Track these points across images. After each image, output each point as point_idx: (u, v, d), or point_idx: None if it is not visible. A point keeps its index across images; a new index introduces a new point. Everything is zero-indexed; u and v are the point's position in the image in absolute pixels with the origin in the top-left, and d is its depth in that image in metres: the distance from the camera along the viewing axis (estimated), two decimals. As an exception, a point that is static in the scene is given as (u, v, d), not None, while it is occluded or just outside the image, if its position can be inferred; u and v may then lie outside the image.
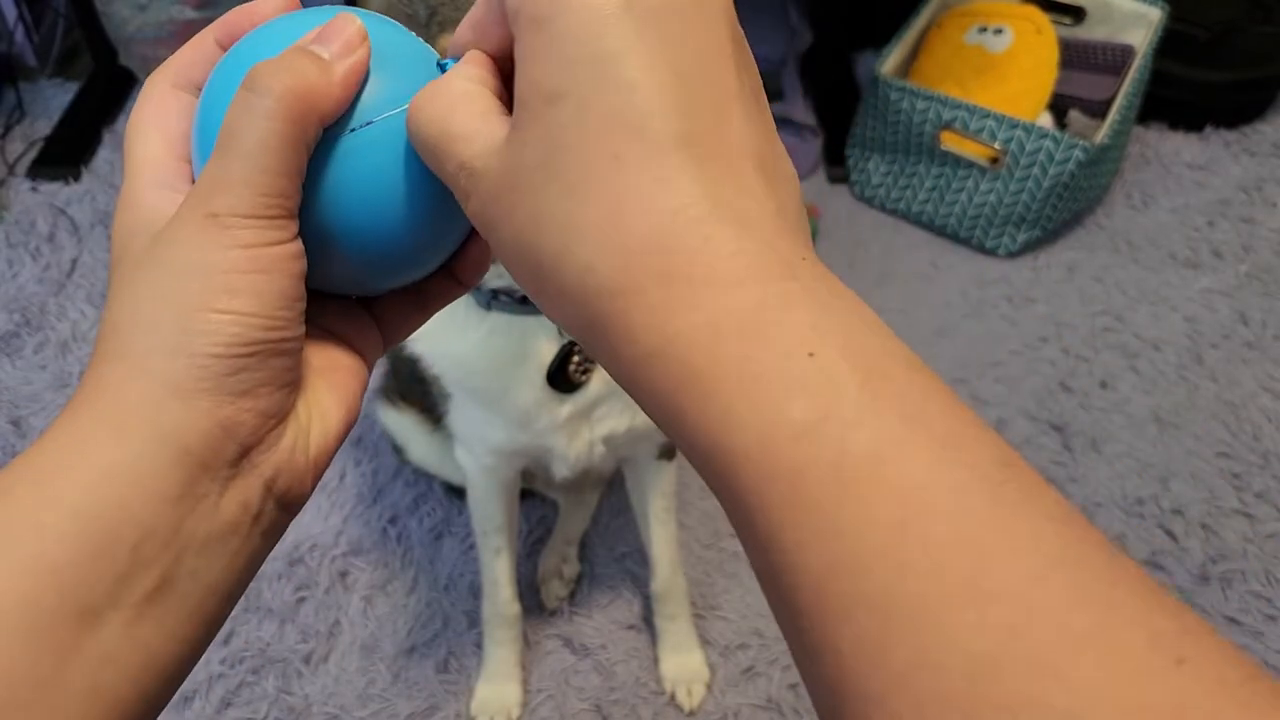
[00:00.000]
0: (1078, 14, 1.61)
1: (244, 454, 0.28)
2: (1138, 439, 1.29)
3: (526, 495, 1.19)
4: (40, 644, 0.24)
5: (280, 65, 0.28)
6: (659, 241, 0.24)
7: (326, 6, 0.32)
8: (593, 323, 0.25)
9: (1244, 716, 0.19)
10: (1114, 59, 1.59)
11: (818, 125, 1.69)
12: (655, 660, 1.12)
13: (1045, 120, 1.50)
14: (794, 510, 0.22)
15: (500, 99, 0.29)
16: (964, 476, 0.22)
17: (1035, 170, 1.43)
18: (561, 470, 0.91)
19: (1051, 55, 1.52)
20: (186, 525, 0.27)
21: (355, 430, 1.31)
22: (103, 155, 1.72)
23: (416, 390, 0.98)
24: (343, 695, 1.10)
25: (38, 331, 1.45)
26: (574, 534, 1.21)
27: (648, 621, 1.14)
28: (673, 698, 1.09)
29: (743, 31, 0.27)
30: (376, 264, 0.32)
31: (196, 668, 1.08)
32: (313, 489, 0.31)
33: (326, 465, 0.31)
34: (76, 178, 1.67)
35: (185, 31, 1.65)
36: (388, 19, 0.32)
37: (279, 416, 0.29)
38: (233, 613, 1.15)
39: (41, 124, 1.76)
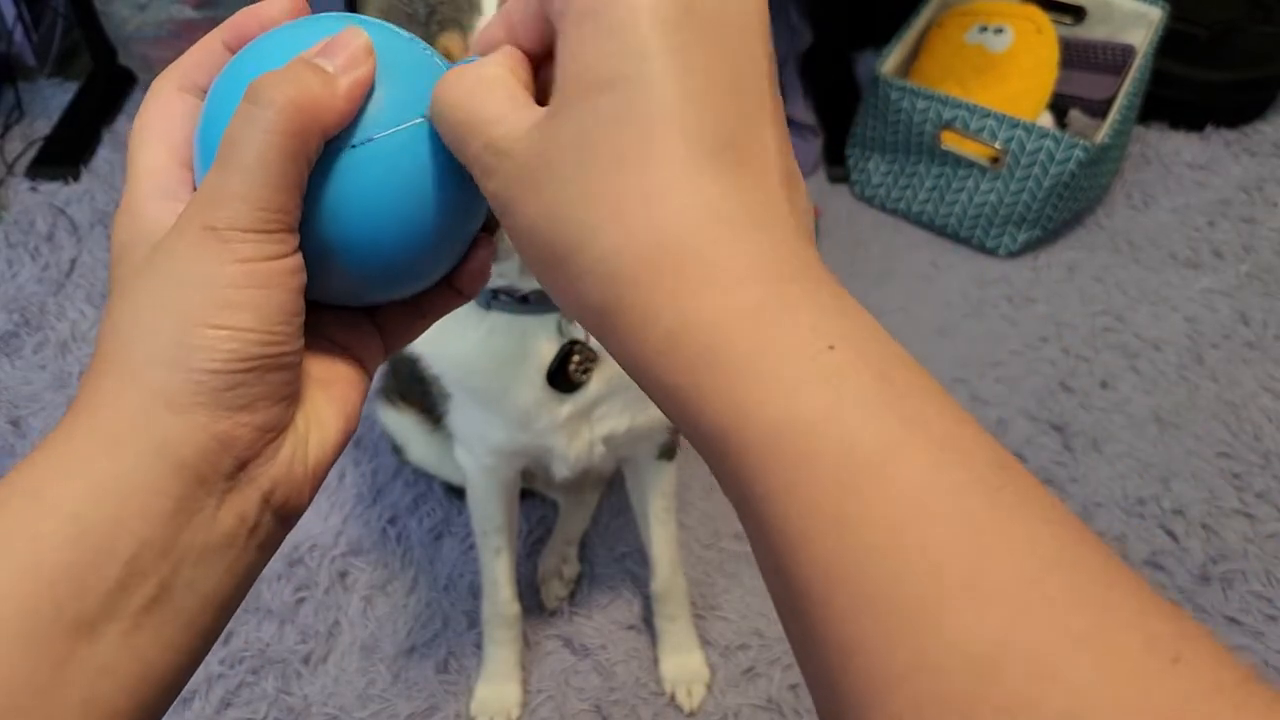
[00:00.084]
0: (1078, 13, 1.61)
1: (241, 467, 0.28)
2: (1138, 439, 1.29)
3: (526, 495, 1.19)
4: (39, 653, 0.24)
5: (283, 78, 0.28)
6: (690, 235, 0.25)
7: (334, 14, 0.31)
8: (609, 307, 0.26)
9: (1240, 717, 0.19)
10: (1114, 58, 1.58)
11: (818, 125, 1.69)
12: (655, 660, 1.11)
13: (1046, 120, 1.50)
14: (799, 501, 0.22)
15: (528, 91, 0.29)
16: (962, 478, 0.22)
17: (1036, 170, 1.43)
18: (561, 470, 0.91)
19: (1052, 55, 1.51)
20: (183, 537, 0.27)
21: (355, 430, 1.31)
22: (102, 155, 1.72)
23: (416, 390, 0.98)
24: (342, 696, 1.10)
25: (37, 331, 1.44)
26: (574, 534, 1.21)
27: (648, 621, 1.14)
28: (673, 698, 1.09)
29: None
30: (377, 278, 0.32)
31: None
32: (310, 500, 0.31)
33: (324, 476, 0.31)
34: (76, 177, 1.67)
35: (185, 31, 1.65)
36: (396, 30, 0.32)
37: (277, 430, 0.29)
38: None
39: (41, 124, 1.76)
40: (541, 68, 0.31)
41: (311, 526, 1.23)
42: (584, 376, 0.81)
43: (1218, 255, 1.52)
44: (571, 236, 0.26)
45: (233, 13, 0.32)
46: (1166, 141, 1.69)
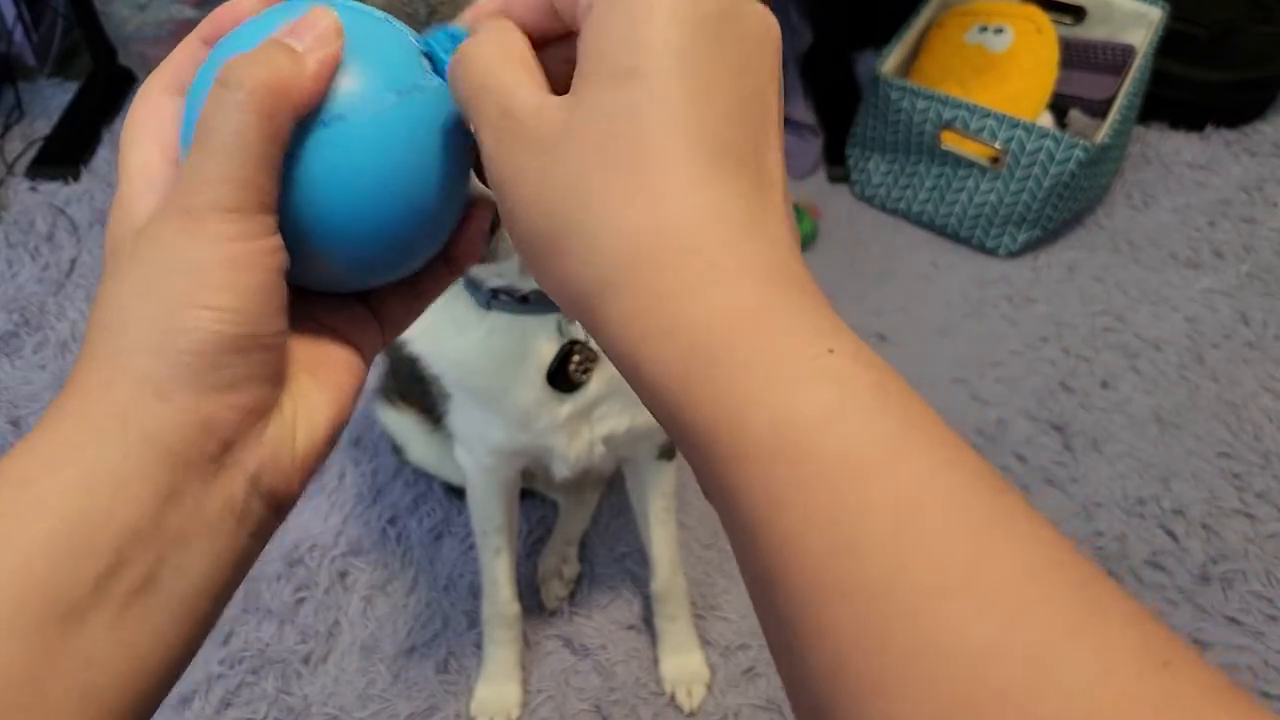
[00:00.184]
0: (1078, 13, 1.61)
1: (225, 450, 0.28)
2: (1138, 439, 1.29)
3: (526, 495, 1.19)
4: (31, 644, 0.24)
5: (253, 59, 0.28)
6: (695, 232, 0.25)
7: (307, 1, 0.31)
8: (605, 291, 0.26)
9: (1228, 716, 0.20)
10: (1114, 58, 1.58)
11: (818, 125, 1.69)
12: (655, 660, 1.11)
13: (1046, 120, 1.50)
14: (798, 493, 0.23)
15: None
16: (960, 480, 0.22)
17: (1036, 170, 1.43)
18: (561, 470, 0.91)
19: (1052, 55, 1.51)
20: (169, 524, 0.27)
21: (355, 430, 1.31)
22: (102, 155, 1.72)
23: (416, 390, 0.97)
24: (342, 696, 1.10)
25: (37, 331, 1.44)
26: (574, 534, 1.21)
27: (648, 622, 1.14)
28: (673, 698, 1.09)
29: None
30: (360, 260, 0.32)
31: (196, 668, 1.07)
32: (301, 489, 0.31)
33: (315, 464, 0.31)
34: (76, 177, 1.67)
35: (184, 31, 1.63)
36: (370, 10, 0.32)
37: (261, 412, 0.29)
38: (232, 613, 1.14)
39: (40, 124, 1.76)
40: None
41: (311, 526, 1.23)
42: (584, 376, 0.81)
43: (1218, 255, 1.52)
44: (574, 215, 0.26)
45: (231, 11, 0.32)
46: (1166, 141, 1.69)
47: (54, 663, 0.24)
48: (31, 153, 1.70)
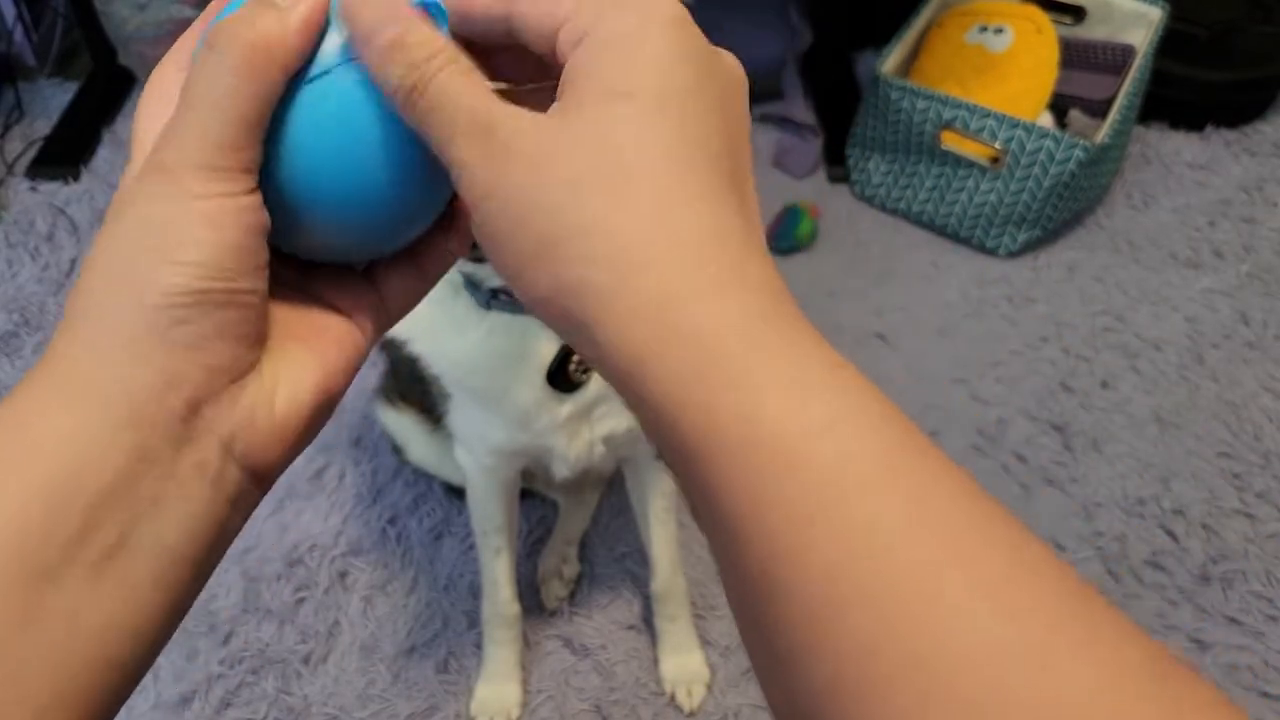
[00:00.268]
0: (1078, 13, 1.61)
1: (194, 410, 0.28)
2: (1138, 439, 1.29)
3: (526, 495, 1.19)
4: (5, 602, 0.24)
5: (237, 19, 0.28)
6: (701, 241, 0.26)
7: None
8: (604, 294, 0.25)
9: None
10: (1114, 58, 1.58)
11: (818, 125, 1.69)
12: (655, 660, 1.11)
13: (1046, 120, 1.50)
14: (800, 500, 0.23)
15: None
16: (959, 487, 0.23)
17: (1036, 170, 1.43)
18: (561, 470, 0.91)
19: (1052, 55, 1.51)
20: (141, 485, 0.26)
21: (355, 430, 1.31)
22: (102, 155, 1.72)
23: (416, 390, 0.98)
24: (342, 696, 1.10)
25: (37, 331, 1.44)
26: (574, 534, 1.21)
27: (648, 622, 1.14)
28: (673, 698, 1.09)
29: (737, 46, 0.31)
30: (351, 225, 0.31)
31: (196, 668, 1.07)
32: (282, 459, 0.30)
33: (298, 434, 0.30)
34: (76, 177, 1.67)
35: (184, 30, 1.65)
36: None
37: (233, 373, 0.28)
38: (232, 613, 1.14)
39: (41, 124, 1.76)
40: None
41: (311, 526, 1.23)
42: (584, 376, 0.81)
43: (1218, 255, 1.52)
44: (569, 226, 0.26)
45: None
46: (1166, 141, 1.69)
47: (30, 621, 0.25)
48: (31, 153, 1.70)
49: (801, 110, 1.69)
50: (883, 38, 1.58)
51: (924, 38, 1.62)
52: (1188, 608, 1.13)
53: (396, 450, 1.20)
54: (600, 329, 0.26)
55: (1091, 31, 1.61)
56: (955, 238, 1.55)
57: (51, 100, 1.80)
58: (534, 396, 0.81)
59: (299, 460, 1.37)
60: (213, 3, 0.32)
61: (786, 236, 1.51)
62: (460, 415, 0.91)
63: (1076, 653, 0.20)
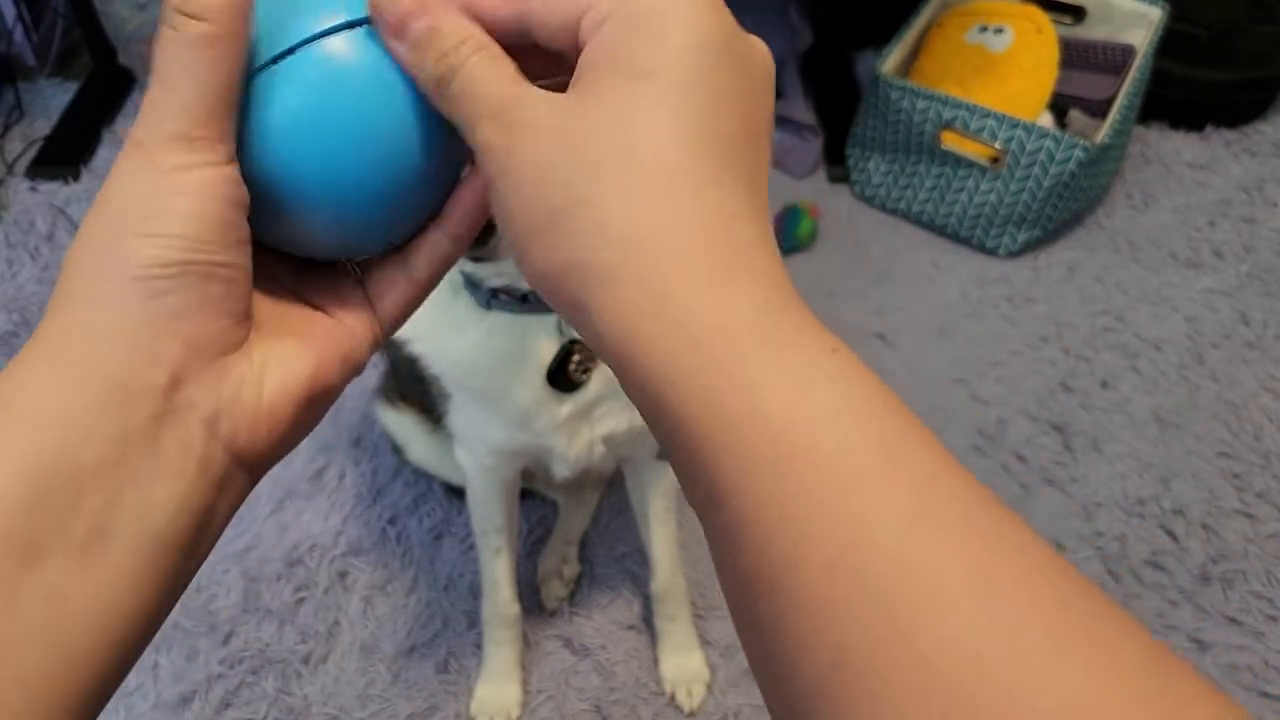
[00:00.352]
0: (1078, 13, 1.61)
1: (175, 385, 0.27)
2: (1138, 439, 1.29)
3: (526, 495, 1.19)
4: None
5: None
6: (707, 227, 0.26)
7: None
8: (607, 273, 0.25)
9: None
10: (1114, 58, 1.58)
11: (818, 125, 1.69)
12: (655, 660, 1.11)
13: (1046, 120, 1.50)
14: (800, 491, 0.23)
15: None
16: (962, 483, 0.23)
17: (1036, 170, 1.43)
18: (561, 470, 0.91)
19: (1052, 55, 1.51)
20: (124, 464, 0.26)
21: (355, 430, 1.31)
22: (102, 155, 1.72)
23: (416, 390, 0.97)
24: (342, 696, 1.10)
25: (37, 331, 1.44)
26: (574, 534, 1.21)
27: (648, 621, 1.14)
28: (673, 698, 1.09)
29: None
30: (333, 214, 0.30)
31: (196, 668, 1.06)
32: (270, 446, 0.30)
33: (288, 423, 0.30)
34: (76, 177, 1.67)
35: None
36: None
37: (216, 350, 0.28)
38: (232, 613, 1.13)
39: (41, 124, 1.76)
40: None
41: (311, 526, 1.23)
42: (584, 376, 0.81)
43: (1218, 255, 1.52)
44: (580, 201, 0.26)
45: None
46: (1166, 141, 1.69)
47: (15, 599, 0.24)
48: (31, 153, 1.70)
49: (801, 110, 1.69)
50: (883, 38, 1.58)
51: (924, 38, 1.62)
52: (1188, 608, 1.13)
53: (396, 450, 1.20)
54: (598, 311, 0.26)
55: (1091, 31, 1.61)
56: (955, 238, 1.55)
57: (51, 100, 1.80)
58: (534, 396, 0.81)
59: (299, 460, 1.37)
60: None
61: (786, 236, 1.51)
62: (460, 415, 0.91)
63: (1077, 652, 0.20)
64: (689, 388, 0.24)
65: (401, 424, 1.11)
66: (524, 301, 0.77)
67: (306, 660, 1.12)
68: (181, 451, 0.27)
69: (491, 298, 0.77)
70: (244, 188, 0.29)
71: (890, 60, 1.55)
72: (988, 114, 1.43)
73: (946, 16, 1.61)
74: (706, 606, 1.15)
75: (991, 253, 1.53)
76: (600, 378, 0.81)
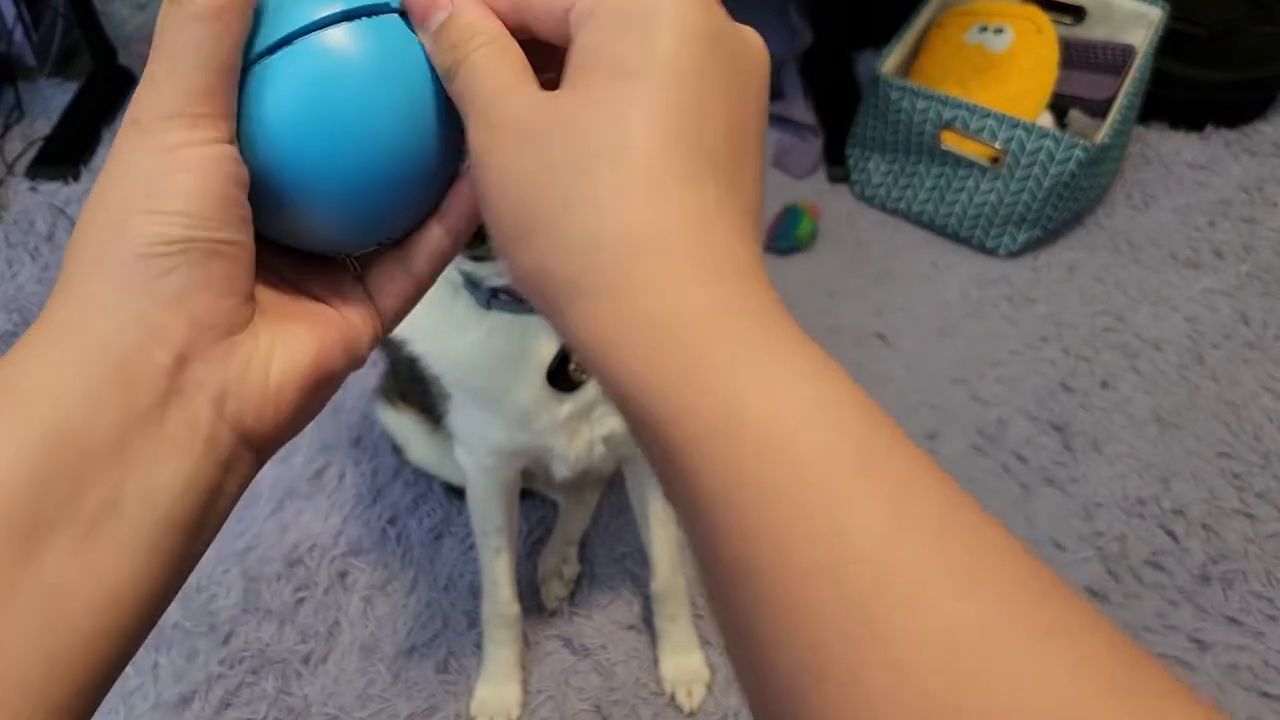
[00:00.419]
0: (1078, 13, 1.61)
1: (181, 364, 0.27)
2: (1138, 439, 1.29)
3: (526, 495, 1.19)
4: None
5: None
6: (675, 227, 0.25)
7: None
8: (581, 276, 0.26)
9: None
10: (1114, 58, 1.58)
11: (818, 125, 1.69)
12: (655, 660, 1.11)
13: (1046, 120, 1.50)
14: (778, 491, 0.23)
15: None
16: (938, 482, 0.23)
17: (1036, 170, 1.43)
18: (561, 470, 0.91)
19: (1052, 55, 1.51)
20: (131, 445, 0.26)
21: (355, 430, 1.31)
22: (102, 155, 1.72)
23: (416, 390, 0.98)
24: (342, 696, 1.10)
25: (37, 331, 1.44)
26: (574, 534, 1.21)
27: (648, 622, 1.14)
28: (673, 698, 1.09)
29: None
30: (331, 206, 0.30)
31: (196, 668, 1.06)
32: (276, 428, 0.30)
33: (295, 406, 0.30)
34: (76, 177, 1.67)
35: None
36: None
37: (222, 329, 0.28)
38: (232, 613, 1.13)
39: (41, 123, 1.76)
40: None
41: (311, 526, 1.23)
42: (584, 376, 0.81)
43: (1218, 255, 1.52)
44: (554, 202, 0.26)
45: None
46: (1166, 141, 1.69)
47: (16, 583, 0.24)
48: (31, 153, 1.70)
49: (801, 110, 1.69)
50: (883, 38, 1.58)
51: (924, 38, 1.62)
52: (1188, 608, 1.13)
53: (396, 450, 1.20)
54: (577, 314, 0.26)
55: (1091, 31, 1.61)
56: (955, 238, 1.55)
57: (51, 100, 1.80)
58: (534, 396, 0.81)
59: (299, 460, 1.37)
60: None
61: (786, 236, 1.51)
62: (460, 415, 0.91)
63: (1055, 653, 0.20)
64: (665, 390, 0.24)
65: (401, 424, 1.12)
66: (524, 301, 0.77)
67: (306, 660, 1.12)
68: (188, 430, 0.27)
69: (491, 297, 0.77)
70: (244, 166, 0.29)
71: (890, 60, 1.55)
72: (988, 114, 1.43)
73: (946, 16, 1.61)
74: (706, 607, 1.15)
75: (991, 253, 1.53)
76: (600, 378, 0.81)
